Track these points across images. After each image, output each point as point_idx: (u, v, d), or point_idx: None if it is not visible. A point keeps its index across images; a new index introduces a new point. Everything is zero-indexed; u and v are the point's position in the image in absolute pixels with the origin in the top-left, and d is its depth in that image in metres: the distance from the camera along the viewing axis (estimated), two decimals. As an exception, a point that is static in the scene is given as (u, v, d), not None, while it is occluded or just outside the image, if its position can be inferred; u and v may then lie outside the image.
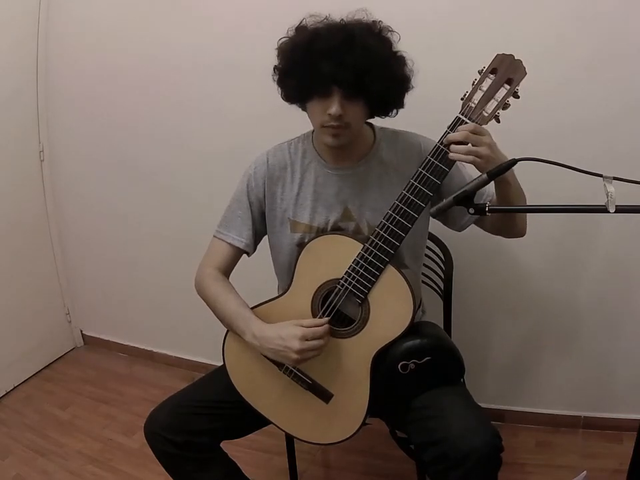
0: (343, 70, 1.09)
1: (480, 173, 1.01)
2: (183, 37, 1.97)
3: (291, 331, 1.15)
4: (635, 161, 1.55)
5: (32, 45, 2.20)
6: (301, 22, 1.19)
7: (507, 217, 1.23)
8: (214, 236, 1.35)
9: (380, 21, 1.17)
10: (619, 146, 1.60)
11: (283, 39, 1.21)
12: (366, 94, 1.14)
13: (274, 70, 1.22)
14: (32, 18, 2.16)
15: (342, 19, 1.16)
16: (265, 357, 1.23)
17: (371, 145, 1.28)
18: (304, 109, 1.24)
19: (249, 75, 1.89)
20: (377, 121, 1.29)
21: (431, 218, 1.33)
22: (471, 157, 1.05)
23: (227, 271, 1.34)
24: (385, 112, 1.23)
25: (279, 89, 1.23)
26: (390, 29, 1.18)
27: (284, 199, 1.30)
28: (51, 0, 2.15)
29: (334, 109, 1.13)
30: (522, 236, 1.30)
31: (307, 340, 1.14)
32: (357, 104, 1.16)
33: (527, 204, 1.22)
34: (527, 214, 1.27)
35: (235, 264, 1.35)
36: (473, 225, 1.31)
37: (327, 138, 1.19)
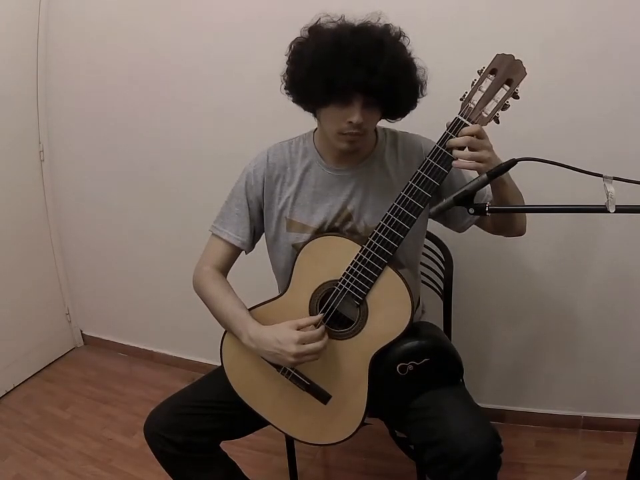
0: (372, 78, 1.06)
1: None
2: (183, 37, 1.97)
3: (288, 334, 1.15)
4: (635, 161, 1.55)
5: (32, 45, 2.20)
6: (317, 22, 1.15)
7: (507, 216, 1.23)
8: (210, 232, 1.35)
9: (395, 26, 1.14)
10: (619, 146, 1.59)
11: (299, 40, 1.16)
12: (387, 101, 1.12)
13: (286, 73, 1.17)
14: (32, 18, 2.16)
15: (365, 22, 1.12)
16: (263, 358, 1.22)
17: (373, 147, 1.28)
18: (313, 113, 1.22)
19: (250, 76, 1.89)
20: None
21: (428, 220, 1.33)
22: (474, 164, 1.04)
23: (224, 269, 1.34)
24: (398, 117, 1.22)
25: (290, 92, 1.19)
26: (404, 34, 1.15)
27: (282, 197, 1.29)
28: (50, 0, 2.15)
29: (356, 117, 1.11)
30: (522, 235, 1.30)
31: (303, 343, 1.14)
32: (375, 110, 1.14)
33: (527, 204, 1.21)
34: (528, 214, 1.27)
35: (233, 262, 1.35)
36: (473, 225, 1.31)
37: (343, 144, 1.17)
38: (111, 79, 2.14)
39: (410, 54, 1.14)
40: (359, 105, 1.11)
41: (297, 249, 1.26)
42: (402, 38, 1.14)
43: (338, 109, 1.12)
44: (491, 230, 1.30)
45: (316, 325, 1.19)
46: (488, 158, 1.05)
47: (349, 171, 1.26)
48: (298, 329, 1.16)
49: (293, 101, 1.20)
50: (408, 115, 1.23)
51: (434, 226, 1.39)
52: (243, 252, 1.35)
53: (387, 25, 1.14)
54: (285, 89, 1.20)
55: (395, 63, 1.08)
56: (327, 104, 1.13)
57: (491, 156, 1.05)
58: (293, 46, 1.17)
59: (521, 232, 1.29)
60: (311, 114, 1.24)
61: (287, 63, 1.18)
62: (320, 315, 1.19)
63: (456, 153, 1.06)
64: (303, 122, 1.27)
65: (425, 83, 1.17)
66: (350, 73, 1.06)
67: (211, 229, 1.35)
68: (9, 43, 2.12)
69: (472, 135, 1.05)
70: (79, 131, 2.29)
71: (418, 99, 1.18)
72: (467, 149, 1.06)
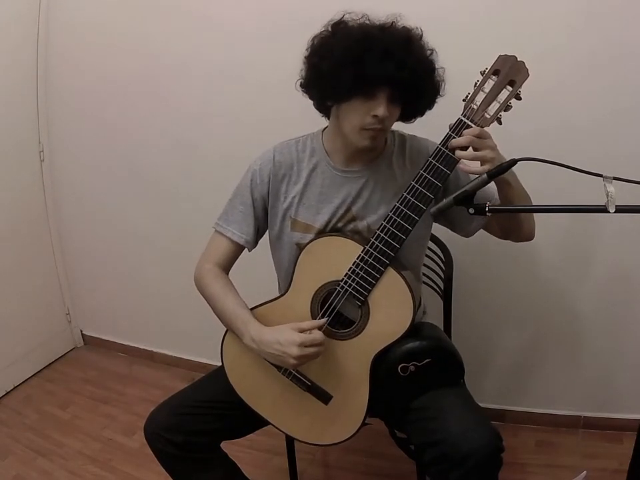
0: (401, 71, 1.07)
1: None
2: (183, 38, 1.97)
3: (290, 336, 1.14)
4: (635, 160, 1.55)
5: (32, 45, 2.19)
6: (342, 18, 1.15)
7: (513, 220, 1.22)
8: (213, 229, 1.34)
9: (417, 27, 1.15)
10: (619, 146, 1.59)
11: (323, 34, 1.16)
12: (411, 97, 1.13)
13: (309, 66, 1.17)
14: (32, 18, 2.16)
15: (386, 22, 1.13)
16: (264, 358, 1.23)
17: (382, 149, 1.27)
18: (326, 113, 1.23)
19: (251, 77, 1.89)
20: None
21: (433, 223, 1.33)
22: (478, 166, 1.04)
23: (226, 267, 1.33)
24: (415, 116, 1.22)
25: (312, 86, 1.18)
26: (423, 34, 1.16)
27: (287, 196, 1.29)
28: (50, 0, 2.15)
29: (382, 110, 1.11)
30: (530, 239, 1.29)
31: (305, 346, 1.13)
32: (396, 107, 1.15)
33: (527, 204, 1.21)
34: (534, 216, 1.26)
35: (235, 259, 1.34)
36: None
37: (364, 140, 1.16)
38: (111, 79, 2.14)
39: (431, 53, 1.15)
40: (385, 98, 1.11)
41: (300, 247, 1.26)
42: (423, 38, 1.16)
43: (363, 102, 1.12)
44: (499, 234, 1.29)
45: (320, 329, 1.18)
46: (491, 158, 1.04)
47: (356, 172, 1.26)
48: (300, 332, 1.16)
49: (311, 97, 1.20)
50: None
51: (434, 226, 1.39)
52: (245, 250, 1.35)
53: (406, 26, 1.15)
54: (302, 85, 1.19)
55: (422, 58, 1.11)
56: (351, 97, 1.13)
57: (495, 156, 1.05)
58: (316, 40, 1.17)
59: (529, 236, 1.28)
60: (321, 114, 1.25)
61: (308, 58, 1.17)
62: (324, 320, 1.19)
63: (458, 153, 1.06)
64: (305, 123, 1.28)
65: (444, 82, 1.17)
66: (380, 65, 1.07)
67: (214, 226, 1.34)
68: (9, 43, 2.12)
69: (473, 136, 1.05)
70: (79, 131, 2.29)
71: (436, 99, 1.19)
72: (470, 149, 1.06)
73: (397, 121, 1.21)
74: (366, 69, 1.07)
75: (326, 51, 1.13)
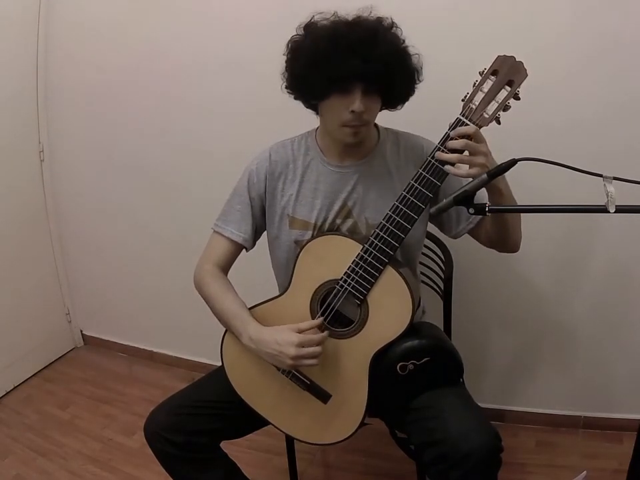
0: (367, 65, 1.09)
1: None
2: (184, 34, 1.97)
3: (287, 336, 1.15)
4: (635, 160, 1.55)
5: (32, 45, 2.20)
6: (311, 19, 1.18)
7: (502, 230, 1.23)
8: (212, 229, 1.35)
9: (387, 17, 1.18)
10: (619, 145, 1.59)
11: (296, 37, 1.19)
12: (385, 88, 1.16)
13: (286, 70, 1.20)
14: (32, 18, 2.16)
15: (358, 16, 1.16)
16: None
17: (375, 144, 1.29)
18: (315, 110, 1.24)
19: (252, 73, 1.89)
20: (380, 120, 1.29)
21: (428, 223, 1.34)
22: (465, 170, 1.06)
23: (225, 267, 1.34)
24: (395, 105, 1.24)
25: (291, 89, 1.22)
26: (396, 25, 1.18)
27: (284, 195, 1.30)
28: (50, 0, 2.15)
29: (357, 104, 1.13)
30: (515, 251, 1.30)
31: (302, 347, 1.14)
32: (374, 99, 1.17)
33: (527, 204, 1.21)
34: (525, 221, 1.26)
35: (234, 259, 1.35)
36: (472, 226, 1.31)
37: (348, 137, 1.19)
38: (111, 77, 2.14)
39: (403, 42, 1.17)
40: (359, 93, 1.13)
41: (299, 245, 1.27)
42: (394, 28, 1.17)
43: (339, 99, 1.15)
44: (485, 242, 1.31)
45: (319, 328, 1.19)
46: (480, 163, 1.05)
47: (350, 167, 1.27)
48: (299, 332, 1.16)
49: (295, 98, 1.23)
50: (411, 115, 1.25)
51: (434, 226, 1.39)
52: (244, 251, 1.35)
53: (379, 18, 1.17)
54: (285, 87, 1.22)
55: (388, 50, 1.12)
56: (327, 95, 1.15)
57: (485, 162, 1.06)
58: (290, 44, 1.20)
59: (514, 248, 1.29)
60: (313, 112, 1.26)
61: (285, 62, 1.20)
62: (321, 319, 1.19)
63: (450, 156, 1.07)
64: (306, 120, 1.28)
65: (421, 68, 1.20)
66: (347, 62, 1.09)
67: (213, 227, 1.35)
68: (9, 43, 2.12)
69: (467, 136, 1.06)
70: (79, 131, 2.29)
71: (415, 85, 1.21)
72: (466, 152, 1.07)
73: (384, 109, 1.23)
74: (334, 68, 1.10)
75: (297, 55, 1.17)
